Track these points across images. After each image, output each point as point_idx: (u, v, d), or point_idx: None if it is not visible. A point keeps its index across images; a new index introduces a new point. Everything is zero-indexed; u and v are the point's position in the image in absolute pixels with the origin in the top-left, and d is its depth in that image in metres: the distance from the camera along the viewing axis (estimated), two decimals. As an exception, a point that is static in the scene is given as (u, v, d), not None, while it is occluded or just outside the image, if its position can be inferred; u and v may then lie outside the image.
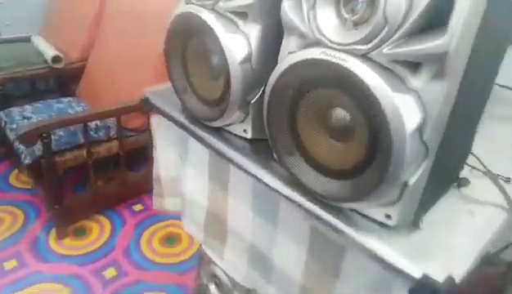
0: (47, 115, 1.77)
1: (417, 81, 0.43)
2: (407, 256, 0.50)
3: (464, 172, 0.64)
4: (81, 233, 1.72)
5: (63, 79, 2.17)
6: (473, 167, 0.64)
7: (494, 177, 0.61)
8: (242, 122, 0.70)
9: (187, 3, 0.68)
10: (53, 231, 1.69)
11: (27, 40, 2.24)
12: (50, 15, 2.37)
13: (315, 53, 0.47)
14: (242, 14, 0.61)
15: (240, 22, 0.62)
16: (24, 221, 1.76)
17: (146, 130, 1.69)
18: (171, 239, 1.72)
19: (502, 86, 0.88)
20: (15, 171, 2.08)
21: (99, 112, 1.60)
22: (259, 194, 0.73)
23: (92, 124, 1.65)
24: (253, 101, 0.65)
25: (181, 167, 0.91)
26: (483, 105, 0.59)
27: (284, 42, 0.55)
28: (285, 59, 0.52)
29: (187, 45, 0.71)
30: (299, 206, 0.59)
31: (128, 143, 1.74)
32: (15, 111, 1.82)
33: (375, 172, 0.47)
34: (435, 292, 0.45)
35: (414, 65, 0.43)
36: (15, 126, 1.72)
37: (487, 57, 0.51)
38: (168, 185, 0.97)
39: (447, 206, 0.58)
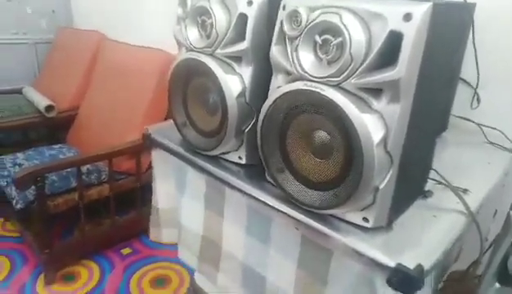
0: (39, 161, 1.83)
1: (379, 104, 0.55)
2: (384, 252, 0.59)
3: (429, 186, 0.75)
4: (70, 278, 1.71)
5: (54, 127, 2.25)
6: (436, 181, 0.75)
7: (454, 188, 0.72)
8: (237, 150, 0.80)
9: (188, 50, 0.80)
10: (41, 277, 1.68)
11: (19, 92, 2.34)
12: (41, 68, 2.50)
13: (299, 85, 0.59)
14: (237, 58, 0.74)
15: (235, 64, 0.74)
16: (11, 269, 1.74)
17: (135, 173, 1.77)
18: (160, 281, 1.73)
19: (457, 117, 1.03)
20: (1, 220, 2.07)
21: (93, 155, 1.66)
22: (253, 216, 0.81)
23: (84, 168, 1.71)
24: (246, 130, 0.76)
25: (179, 198, 0.99)
26: (437, 124, 0.71)
27: (273, 79, 0.68)
28: (274, 92, 0.64)
29: (188, 85, 0.83)
30: (291, 218, 0.68)
31: (118, 186, 1.80)
32: (7, 159, 1.87)
33: (352, 180, 0.58)
34: (407, 278, 0.54)
35: (376, 92, 0.55)
36: (6, 173, 1.76)
37: (436, 84, 0.64)
38: (166, 216, 1.03)
39: (415, 212, 0.69)
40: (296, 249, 0.71)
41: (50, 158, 1.88)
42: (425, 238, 0.63)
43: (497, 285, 0.81)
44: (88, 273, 1.76)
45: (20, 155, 1.91)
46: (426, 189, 0.74)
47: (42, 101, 2.10)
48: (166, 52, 1.82)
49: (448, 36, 0.63)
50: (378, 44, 0.52)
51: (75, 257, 1.79)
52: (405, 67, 0.50)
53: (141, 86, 1.84)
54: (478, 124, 1.00)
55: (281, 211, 0.69)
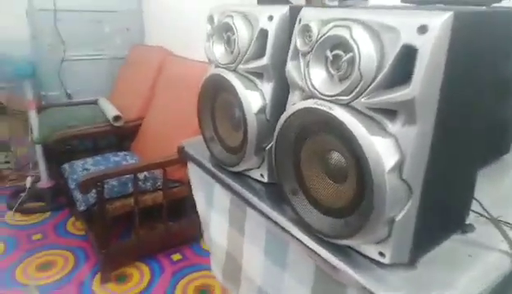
0: (104, 167, 1.98)
1: (394, 126, 0.49)
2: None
3: (471, 219, 0.65)
4: (122, 279, 1.81)
5: (121, 136, 2.43)
6: (479, 214, 0.65)
7: (497, 223, 0.62)
8: (259, 167, 0.78)
9: (216, 67, 0.81)
10: (98, 276, 1.80)
11: (95, 103, 2.58)
12: (115, 82, 2.73)
13: (309, 103, 0.55)
14: (258, 74, 0.72)
15: (257, 80, 0.73)
16: (75, 265, 1.90)
17: (188, 182, 1.82)
18: (204, 290, 1.75)
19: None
20: (72, 218, 2.28)
21: (147, 164, 1.76)
22: (271, 238, 0.77)
23: (141, 175, 1.82)
24: (267, 148, 0.74)
25: (208, 211, 0.99)
26: (490, 146, 0.61)
27: (290, 95, 0.65)
28: (289, 109, 0.61)
29: (215, 101, 0.83)
30: (304, 245, 0.64)
31: (172, 193, 1.87)
32: (78, 163, 2.06)
33: (364, 208, 0.52)
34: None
35: (391, 113, 0.49)
36: (75, 176, 1.94)
37: (477, 102, 0.56)
38: (203, 225, 1.05)
39: (449, 249, 0.60)
40: (310, 278, 0.66)
41: (114, 164, 2.03)
42: (452, 282, 0.54)
43: None
44: (140, 275, 1.84)
45: (89, 160, 2.09)
46: (467, 222, 0.65)
47: (111, 111, 2.28)
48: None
49: (491, 46, 0.55)
50: (390, 60, 0.46)
51: (129, 259, 1.90)
52: (419, 85, 0.44)
53: (195, 99, 1.90)
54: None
55: (294, 236, 0.65)
